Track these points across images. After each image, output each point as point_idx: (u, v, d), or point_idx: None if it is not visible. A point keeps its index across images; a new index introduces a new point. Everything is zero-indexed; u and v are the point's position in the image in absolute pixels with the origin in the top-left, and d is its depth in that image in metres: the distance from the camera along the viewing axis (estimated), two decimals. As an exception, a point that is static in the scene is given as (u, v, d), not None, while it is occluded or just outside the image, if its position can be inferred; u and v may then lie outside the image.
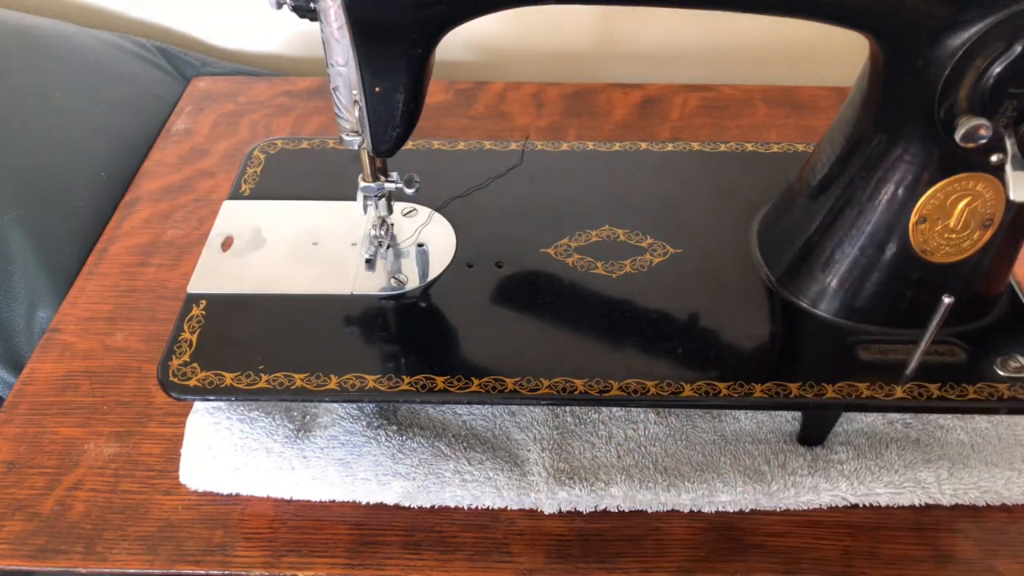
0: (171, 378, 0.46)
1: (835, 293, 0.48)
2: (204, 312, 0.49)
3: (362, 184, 0.49)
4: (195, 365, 0.46)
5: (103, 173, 0.69)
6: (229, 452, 0.48)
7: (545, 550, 0.46)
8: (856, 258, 0.46)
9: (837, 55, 0.82)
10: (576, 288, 0.51)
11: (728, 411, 0.50)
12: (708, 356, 0.46)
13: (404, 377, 0.46)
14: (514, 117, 0.74)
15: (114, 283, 0.60)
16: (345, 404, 0.50)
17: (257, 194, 0.58)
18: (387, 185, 0.49)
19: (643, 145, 0.61)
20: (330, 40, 0.42)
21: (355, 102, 0.44)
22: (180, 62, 0.82)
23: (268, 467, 0.48)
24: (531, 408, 0.50)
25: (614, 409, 0.50)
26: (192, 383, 0.46)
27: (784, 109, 0.74)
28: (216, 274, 0.52)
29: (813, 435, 0.48)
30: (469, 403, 0.47)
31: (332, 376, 0.46)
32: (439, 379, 0.46)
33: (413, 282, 0.51)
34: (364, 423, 0.49)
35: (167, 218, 0.65)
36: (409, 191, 0.49)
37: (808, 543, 0.46)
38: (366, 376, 0.46)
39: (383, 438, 0.48)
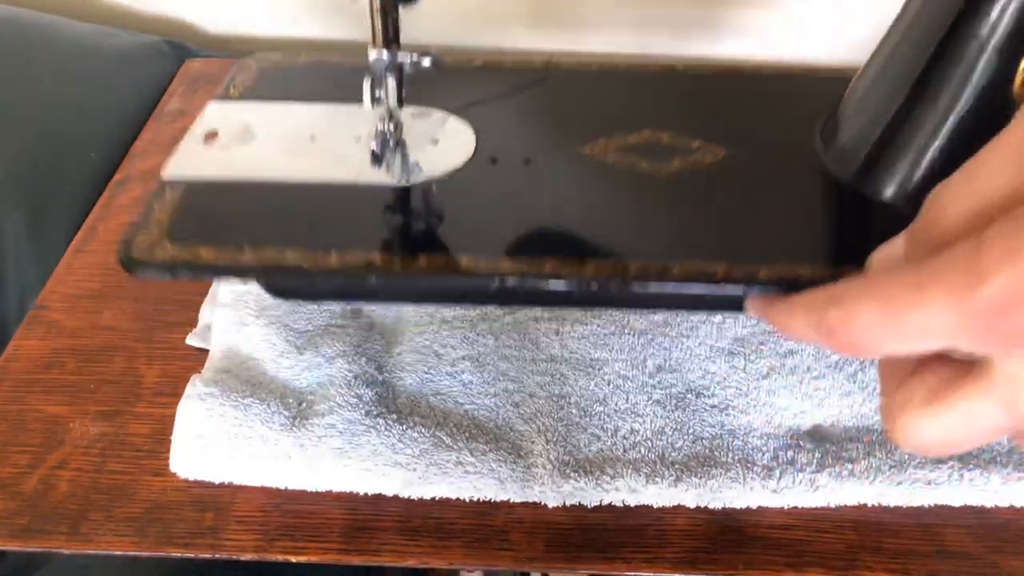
0: (133, 254, 0.39)
1: (919, 186, 0.42)
2: (180, 196, 0.43)
3: (372, 56, 0.42)
4: (166, 243, 0.40)
5: (92, 154, 0.67)
6: (222, 440, 0.46)
7: (545, 539, 0.45)
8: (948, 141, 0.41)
9: (836, 55, 0.82)
10: (615, 185, 0.45)
11: (735, 406, 0.49)
12: (773, 251, 0.41)
13: (420, 255, 0.40)
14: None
15: (103, 261, 0.58)
16: (343, 391, 0.48)
17: (247, 97, 0.51)
18: (401, 56, 0.42)
19: (679, 67, 0.55)
20: None
21: None
22: (179, 49, 0.80)
23: (263, 455, 0.46)
24: (535, 399, 0.49)
25: (619, 402, 0.49)
26: (159, 259, 0.39)
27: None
28: (197, 162, 0.45)
29: None
30: (488, 286, 0.39)
31: (332, 252, 0.40)
32: (464, 258, 0.40)
33: (427, 176, 0.45)
34: (363, 411, 0.48)
35: (158, 197, 0.64)
36: (426, 64, 0.42)
37: (812, 536, 0.45)
38: (373, 254, 0.40)
39: (382, 427, 0.47)
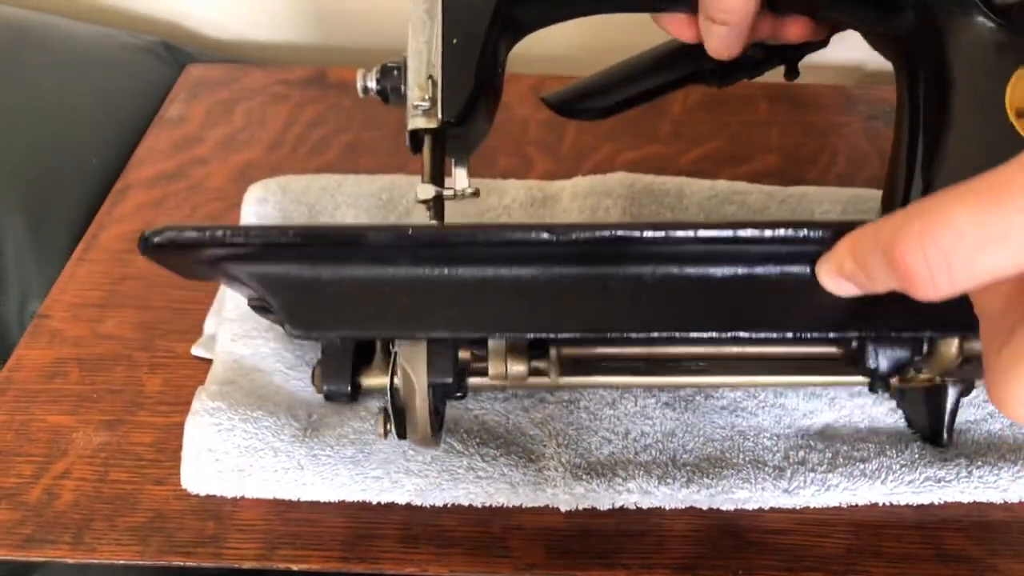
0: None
1: None
2: None
3: (420, 190, 0.40)
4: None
5: (94, 160, 0.67)
6: (233, 454, 0.46)
7: (544, 545, 0.45)
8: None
9: (837, 55, 0.82)
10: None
11: (744, 407, 0.49)
12: None
13: None
14: (513, 108, 0.73)
15: (105, 270, 0.59)
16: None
17: None
18: (447, 192, 0.41)
19: None
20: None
21: (429, 77, 0.41)
22: (176, 52, 0.81)
23: (275, 467, 0.46)
24: (545, 404, 0.49)
25: (629, 405, 0.49)
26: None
27: (785, 105, 0.74)
28: None
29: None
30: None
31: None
32: None
33: None
34: (373, 421, 0.48)
35: (159, 205, 0.64)
36: (469, 191, 0.42)
37: (811, 540, 0.46)
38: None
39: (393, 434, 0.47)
